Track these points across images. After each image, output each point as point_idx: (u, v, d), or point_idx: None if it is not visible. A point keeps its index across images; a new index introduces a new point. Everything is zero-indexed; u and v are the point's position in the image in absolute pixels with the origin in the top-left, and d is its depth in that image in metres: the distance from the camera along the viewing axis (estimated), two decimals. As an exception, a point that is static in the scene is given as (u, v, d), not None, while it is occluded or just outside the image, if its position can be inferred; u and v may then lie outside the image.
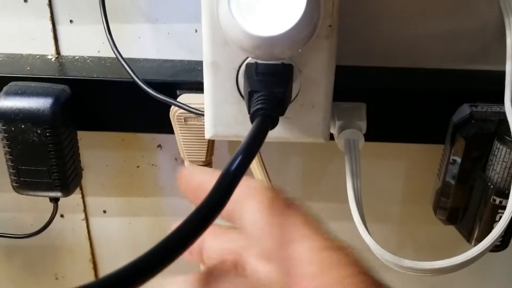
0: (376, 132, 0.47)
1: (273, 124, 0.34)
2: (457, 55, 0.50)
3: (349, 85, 0.48)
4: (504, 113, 0.44)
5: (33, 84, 0.47)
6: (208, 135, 0.42)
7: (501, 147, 0.44)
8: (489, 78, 0.49)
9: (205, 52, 0.39)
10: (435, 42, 0.49)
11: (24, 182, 0.48)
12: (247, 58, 0.38)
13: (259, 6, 0.32)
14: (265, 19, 0.32)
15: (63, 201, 0.54)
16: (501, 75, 0.45)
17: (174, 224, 0.25)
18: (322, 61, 0.39)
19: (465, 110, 0.46)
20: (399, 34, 0.49)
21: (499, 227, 0.42)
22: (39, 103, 0.45)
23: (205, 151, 0.49)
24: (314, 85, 0.40)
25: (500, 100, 0.45)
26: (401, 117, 0.49)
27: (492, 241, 0.42)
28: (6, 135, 0.46)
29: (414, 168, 0.56)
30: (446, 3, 0.48)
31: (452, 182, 0.48)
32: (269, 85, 0.35)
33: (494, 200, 0.45)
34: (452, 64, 0.50)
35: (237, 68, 0.39)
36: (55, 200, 0.51)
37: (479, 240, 0.44)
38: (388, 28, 0.49)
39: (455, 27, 0.49)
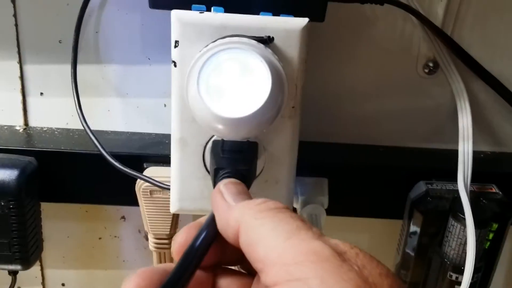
0: (338, 207, 0.49)
1: (238, 201, 0.34)
2: (414, 134, 0.53)
3: (312, 160, 0.49)
4: (457, 191, 0.46)
5: (-1, 155, 0.47)
6: (173, 209, 0.43)
7: (455, 224, 0.46)
8: (444, 157, 0.52)
9: (173, 129, 0.40)
10: (393, 121, 0.52)
11: (-17, 254, 0.47)
12: (214, 135, 0.40)
13: (226, 89, 0.34)
14: (232, 102, 0.34)
15: (21, 274, 0.52)
16: (455, 154, 0.48)
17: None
18: (286, 140, 0.40)
19: (421, 187, 0.48)
20: (359, 113, 0.52)
21: (456, 303, 0.43)
22: (5, 175, 0.45)
23: (169, 224, 0.49)
24: (278, 162, 0.41)
25: (454, 178, 0.47)
26: (361, 193, 0.51)
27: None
28: (-32, 206, 0.45)
29: (375, 242, 0.57)
30: (403, 86, 0.51)
31: (412, 253, 0.50)
32: (234, 162, 0.37)
33: (451, 276, 0.46)
34: (409, 142, 0.53)
35: (204, 144, 0.40)
36: (14, 273, 0.50)
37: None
38: (349, 107, 0.52)
39: (412, 107, 0.52)
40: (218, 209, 0.27)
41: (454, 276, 0.46)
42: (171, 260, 0.52)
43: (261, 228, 0.24)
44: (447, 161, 0.49)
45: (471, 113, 0.48)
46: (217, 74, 0.34)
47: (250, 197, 0.28)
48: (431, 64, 0.50)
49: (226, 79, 0.34)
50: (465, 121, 0.48)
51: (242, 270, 0.28)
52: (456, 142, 0.48)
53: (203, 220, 0.29)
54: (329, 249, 0.22)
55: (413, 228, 0.49)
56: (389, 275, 0.22)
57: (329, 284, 0.21)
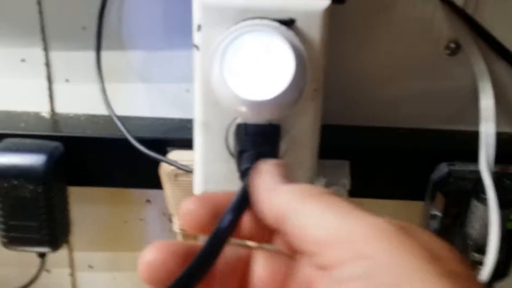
0: (360, 189, 0.49)
1: (262, 182, 0.35)
2: (436, 116, 0.53)
3: (334, 143, 0.50)
4: (479, 172, 0.46)
5: (27, 141, 0.48)
6: (198, 191, 0.43)
7: (478, 204, 0.46)
8: (465, 138, 0.52)
9: (196, 112, 0.41)
10: (415, 103, 0.52)
11: (14, 237, 0.48)
12: (237, 118, 0.40)
13: (250, 71, 0.34)
14: (256, 84, 0.34)
15: (50, 256, 0.54)
16: (477, 135, 0.48)
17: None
18: (308, 123, 0.41)
19: (443, 168, 0.49)
20: (381, 96, 0.52)
21: (479, 283, 0.43)
22: (33, 160, 0.46)
23: (193, 207, 0.50)
24: (300, 145, 0.41)
25: (476, 159, 0.47)
26: (383, 175, 0.51)
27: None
28: (-1, 190, 0.47)
29: (397, 224, 0.57)
30: (425, 68, 0.51)
31: (433, 236, 0.50)
32: (257, 145, 0.37)
33: (473, 257, 0.46)
34: (430, 124, 0.53)
35: (227, 127, 0.41)
36: (42, 256, 0.52)
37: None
38: (370, 90, 0.52)
39: (433, 89, 0.52)
40: (262, 189, 0.26)
41: (477, 256, 0.46)
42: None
43: (313, 211, 0.23)
44: (469, 143, 0.49)
45: (493, 94, 0.48)
46: (240, 56, 0.34)
47: (294, 181, 0.27)
48: (453, 45, 0.49)
49: (249, 61, 0.34)
50: (487, 102, 0.48)
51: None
52: (478, 124, 0.48)
53: (218, 196, 0.28)
54: (392, 225, 0.21)
55: (435, 210, 0.49)
56: (452, 249, 0.22)
57: (400, 259, 0.20)
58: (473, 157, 0.47)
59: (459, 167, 0.48)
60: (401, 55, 0.50)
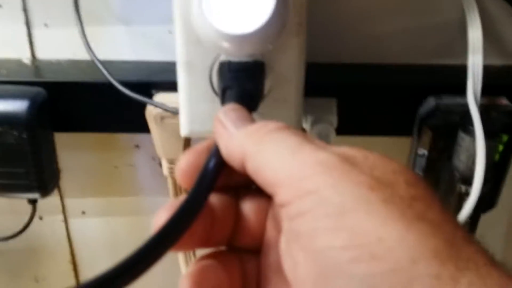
0: (347, 126, 0.49)
1: (246, 119, 0.35)
2: (422, 50, 0.52)
3: (320, 81, 0.49)
4: (467, 105, 0.46)
5: (9, 87, 0.47)
6: (184, 132, 0.43)
7: (465, 137, 0.46)
8: (453, 72, 0.51)
9: (178, 52, 0.40)
10: (401, 38, 0.51)
11: (2, 184, 0.49)
12: (220, 56, 0.40)
13: (229, 5, 0.33)
14: (236, 17, 0.33)
15: (42, 204, 0.54)
16: (465, 68, 0.47)
17: (157, 217, 0.25)
18: (292, 58, 0.40)
19: (430, 102, 0.48)
20: (366, 31, 0.51)
21: (464, 214, 0.44)
22: (16, 106, 0.46)
23: (181, 149, 0.50)
24: (285, 81, 0.41)
25: (464, 93, 0.47)
26: (370, 111, 0.51)
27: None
28: (-17, 138, 0.46)
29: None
30: (410, 1, 0.50)
31: (421, 173, 0.50)
32: (241, 82, 0.37)
33: (460, 188, 0.47)
34: (418, 59, 0.52)
35: (211, 66, 0.40)
36: (33, 202, 0.52)
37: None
38: (355, 25, 0.51)
39: (419, 23, 0.51)
40: (221, 138, 0.27)
41: (463, 188, 0.47)
42: (185, 184, 0.53)
43: (265, 152, 0.24)
44: (456, 76, 0.49)
45: (482, 26, 0.47)
46: (219, -11, 0.33)
47: (252, 121, 0.27)
48: (440, -24, 0.48)
49: (229, -6, 0.33)
50: (474, 34, 0.47)
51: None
52: (466, 57, 0.47)
53: (203, 144, 0.29)
54: (335, 157, 0.22)
55: (422, 147, 0.49)
56: (403, 171, 0.22)
57: (341, 190, 0.21)
58: (461, 90, 0.47)
59: (446, 100, 0.48)
60: (387, -13, 0.49)
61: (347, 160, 0.22)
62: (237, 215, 0.27)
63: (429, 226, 0.20)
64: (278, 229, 0.26)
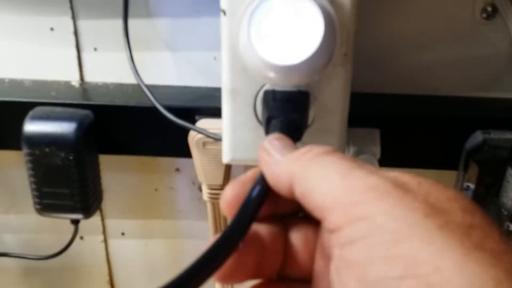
0: (390, 158, 0.48)
1: (290, 149, 0.35)
2: (470, 83, 0.51)
3: (364, 111, 0.49)
4: (516, 140, 0.45)
5: (57, 109, 0.49)
6: (226, 159, 0.43)
7: (514, 173, 0.44)
8: (501, 106, 0.50)
9: (224, 79, 0.41)
10: (448, 69, 0.51)
11: (47, 204, 0.49)
12: (265, 84, 0.40)
13: (277, 36, 0.34)
14: (284, 48, 0.33)
15: (83, 223, 0.55)
16: (514, 102, 0.46)
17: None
18: (337, 89, 0.40)
19: (478, 137, 0.47)
20: (414, 62, 0.50)
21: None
22: (64, 128, 0.47)
23: (222, 175, 0.50)
24: (329, 111, 0.41)
25: (513, 127, 0.45)
26: (415, 143, 0.50)
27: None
28: (31, 158, 0.47)
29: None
30: (459, 32, 0.49)
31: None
32: (286, 111, 0.37)
33: (508, 227, 0.45)
34: (465, 91, 0.51)
35: (255, 94, 0.40)
36: (75, 222, 0.53)
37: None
38: (403, 56, 0.50)
39: (468, 55, 0.50)
40: (266, 166, 0.27)
41: (511, 226, 0.45)
42: (224, 210, 0.53)
43: (313, 175, 0.23)
44: (505, 110, 0.47)
45: (532, 59, 0.46)
46: (268, 20, 0.33)
47: (296, 149, 0.27)
48: (489, 9, 0.47)
49: (278, 25, 0.33)
50: (526, 67, 0.46)
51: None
52: (515, 91, 0.46)
53: (248, 175, 0.28)
54: (388, 182, 0.21)
55: (468, 181, 0.48)
56: (459, 198, 0.21)
57: (395, 217, 0.20)
58: (510, 125, 0.46)
59: (495, 135, 0.47)
60: (436, 19, 0.48)
61: (400, 186, 0.21)
62: (286, 245, 0.27)
63: (489, 256, 0.19)
64: (327, 257, 0.25)
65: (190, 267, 0.23)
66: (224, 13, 0.37)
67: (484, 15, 0.48)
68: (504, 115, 0.47)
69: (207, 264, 0.24)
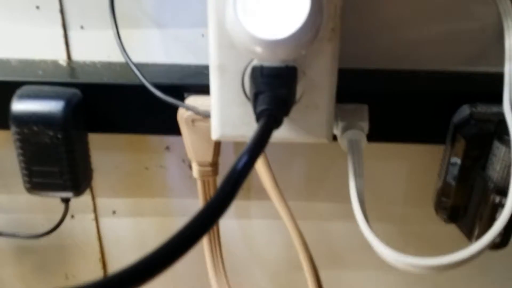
0: (378, 133, 0.48)
1: (278, 124, 0.35)
2: (457, 57, 0.51)
3: (352, 87, 0.49)
4: (503, 114, 0.45)
5: (45, 88, 0.48)
6: (215, 136, 0.44)
7: (500, 146, 0.45)
8: (488, 80, 0.50)
9: (211, 56, 0.41)
10: (435, 44, 0.51)
11: (36, 183, 0.50)
12: (252, 60, 0.40)
13: (264, 10, 0.34)
14: (270, 23, 0.33)
15: (74, 202, 0.55)
16: (501, 76, 0.46)
17: None
18: (325, 64, 0.40)
19: (465, 111, 0.48)
20: (400, 37, 0.50)
21: (498, 225, 0.43)
22: (51, 106, 0.47)
23: (212, 152, 0.50)
24: (317, 87, 0.41)
25: (499, 101, 0.46)
26: (403, 118, 0.50)
27: (491, 238, 0.43)
28: (19, 137, 0.47)
29: (416, 168, 0.57)
30: (446, 6, 0.49)
31: (453, 182, 0.49)
32: (274, 87, 0.37)
33: (494, 199, 0.46)
34: (452, 66, 0.52)
35: (243, 70, 0.40)
36: (66, 201, 0.53)
37: (480, 238, 0.45)
38: (390, 31, 0.50)
39: (454, 30, 0.50)
40: None
41: (497, 198, 0.46)
42: (215, 187, 0.53)
43: None
44: (492, 84, 0.48)
45: (519, 33, 0.46)
46: (254, -5, 0.33)
47: None
48: (477, -18, 0.47)
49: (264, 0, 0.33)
50: (511, 41, 0.46)
51: None
52: (502, 65, 0.47)
53: None
54: None
55: (455, 155, 0.48)
56: None
57: None
58: (497, 99, 0.46)
59: (481, 108, 0.47)
60: (422, -7, 0.49)
61: None
62: None
63: None
64: None
65: (173, 238, 0.24)
66: (211, -12, 0.37)
67: (472, -11, 0.48)
68: (491, 89, 0.47)
69: (191, 232, 0.25)
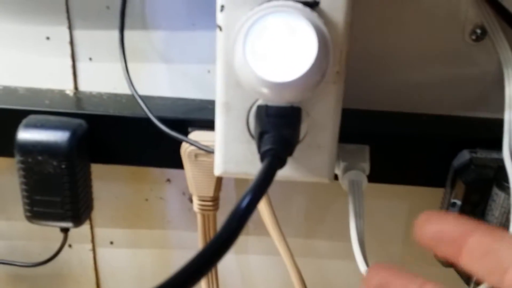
0: (379, 174, 0.49)
1: (282, 164, 0.35)
2: (458, 102, 0.52)
3: (354, 127, 0.50)
4: (502, 160, 0.46)
5: (51, 117, 0.49)
6: (217, 172, 0.44)
7: (499, 193, 0.45)
8: (489, 126, 0.51)
9: (218, 93, 0.41)
10: (437, 89, 0.52)
11: (37, 212, 0.50)
12: (258, 100, 0.40)
13: (272, 54, 0.34)
14: (278, 65, 0.34)
15: (72, 231, 0.55)
16: (500, 122, 0.47)
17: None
18: (329, 105, 0.40)
19: (465, 156, 0.48)
20: (403, 81, 0.51)
21: (497, 271, 0.43)
22: (57, 136, 0.47)
23: (213, 187, 0.50)
24: (321, 127, 0.41)
25: (499, 147, 0.46)
26: (404, 160, 0.51)
27: (490, 286, 0.43)
28: (23, 166, 0.47)
29: (416, 209, 0.57)
30: (449, 53, 0.50)
31: (452, 225, 0.50)
32: (278, 127, 0.37)
33: (493, 244, 0.46)
34: (453, 110, 0.52)
35: (248, 109, 0.41)
36: (65, 230, 0.53)
37: (478, 283, 0.45)
38: (393, 74, 0.51)
39: (457, 75, 0.51)
40: None
41: (496, 244, 0.46)
42: (215, 222, 0.53)
43: None
44: (492, 130, 0.48)
45: (519, 81, 0.47)
46: (263, 37, 0.34)
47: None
48: (478, 31, 0.48)
49: (272, 42, 0.34)
50: (511, 88, 0.47)
51: None
52: (502, 111, 0.47)
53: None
54: None
55: (455, 198, 0.49)
56: None
57: None
58: (496, 145, 0.47)
59: (481, 154, 0.48)
60: (426, 39, 0.50)
61: None
62: None
63: None
64: None
65: (176, 274, 0.24)
66: (220, 29, 0.38)
67: (473, 37, 0.49)
68: (491, 134, 0.48)
69: (193, 270, 0.24)
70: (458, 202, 0.48)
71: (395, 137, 0.50)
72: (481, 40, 0.49)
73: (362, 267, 0.44)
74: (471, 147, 0.49)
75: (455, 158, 0.49)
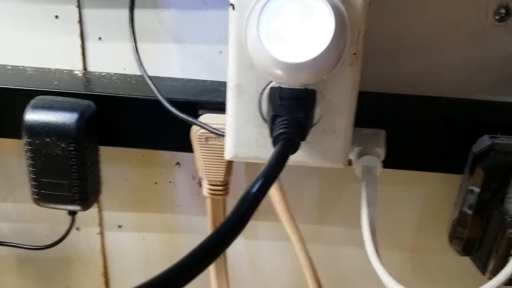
0: (395, 159, 0.48)
1: (295, 149, 0.34)
2: (480, 85, 0.50)
3: (370, 111, 0.48)
4: (524, 147, 0.44)
5: (59, 98, 0.48)
6: (228, 156, 0.43)
7: (520, 180, 0.44)
8: (510, 110, 0.49)
9: (230, 75, 0.40)
10: (457, 72, 0.50)
11: (45, 194, 0.49)
12: (271, 82, 0.39)
13: (287, 33, 0.33)
14: (293, 46, 0.33)
15: (80, 214, 0.54)
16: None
17: None
18: (346, 88, 0.39)
19: (485, 141, 0.46)
20: (421, 63, 0.50)
21: (515, 261, 0.41)
22: (65, 118, 0.46)
23: (223, 171, 0.49)
24: (336, 111, 0.40)
25: (521, 133, 0.45)
26: (421, 146, 0.49)
27: (508, 274, 0.42)
28: (31, 147, 0.47)
29: (431, 197, 0.56)
30: (472, 34, 0.48)
31: (469, 212, 0.48)
32: (292, 110, 0.36)
33: (511, 234, 0.45)
34: (474, 94, 0.51)
35: (261, 91, 0.40)
36: (73, 213, 0.52)
37: (494, 273, 0.44)
38: (410, 56, 0.50)
39: (479, 58, 0.49)
40: None
41: (515, 233, 0.44)
42: (224, 207, 0.52)
43: None
44: (514, 115, 0.47)
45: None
46: (277, 17, 0.33)
47: None
48: (503, 11, 0.47)
49: (287, 22, 0.33)
50: (536, 73, 0.45)
51: None
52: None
53: None
54: None
55: (473, 185, 0.47)
56: None
57: None
58: (518, 130, 0.45)
59: (502, 140, 0.46)
60: (448, 20, 0.48)
61: None
62: None
63: None
64: None
65: (185, 258, 0.23)
66: (233, 7, 0.36)
67: (497, 17, 0.47)
68: (512, 119, 0.47)
69: (203, 254, 0.24)
70: (476, 190, 0.47)
71: (413, 121, 0.49)
72: (506, 20, 0.47)
73: (372, 256, 0.43)
74: (491, 133, 0.47)
75: (474, 143, 0.47)
